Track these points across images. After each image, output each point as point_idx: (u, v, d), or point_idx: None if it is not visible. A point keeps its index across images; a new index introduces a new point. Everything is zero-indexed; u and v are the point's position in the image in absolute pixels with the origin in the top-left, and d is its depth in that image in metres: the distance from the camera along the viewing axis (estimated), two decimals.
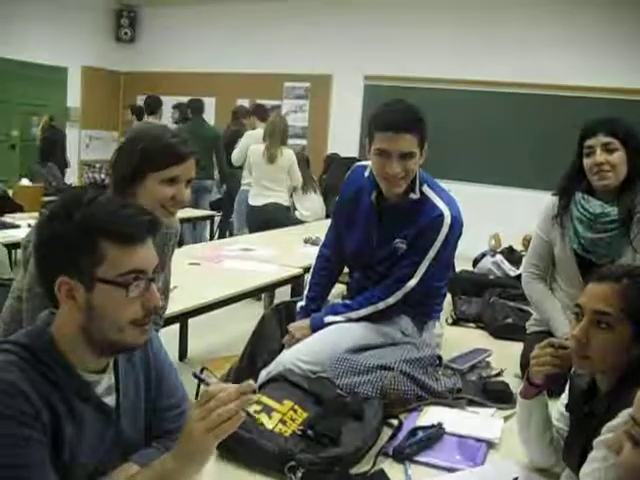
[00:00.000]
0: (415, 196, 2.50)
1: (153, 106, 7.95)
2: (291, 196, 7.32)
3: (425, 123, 2.45)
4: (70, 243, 1.34)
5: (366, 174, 2.62)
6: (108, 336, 1.37)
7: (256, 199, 6.53)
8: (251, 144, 6.78)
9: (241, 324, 3.70)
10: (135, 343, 1.43)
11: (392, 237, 2.53)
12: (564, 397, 1.86)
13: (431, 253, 2.49)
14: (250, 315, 3.02)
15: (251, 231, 6.42)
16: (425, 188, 2.53)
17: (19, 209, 6.07)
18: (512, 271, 4.13)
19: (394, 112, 2.43)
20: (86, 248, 1.34)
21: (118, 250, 1.35)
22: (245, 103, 10.04)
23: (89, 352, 1.41)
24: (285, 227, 6.18)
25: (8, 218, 5.48)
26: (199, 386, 3.28)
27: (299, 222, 7.16)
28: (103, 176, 7.42)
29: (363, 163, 2.71)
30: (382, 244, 2.55)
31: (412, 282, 2.51)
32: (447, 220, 2.47)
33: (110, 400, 1.49)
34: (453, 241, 2.53)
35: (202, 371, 3.35)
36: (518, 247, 4.93)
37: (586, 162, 2.55)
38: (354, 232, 2.64)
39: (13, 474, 1.26)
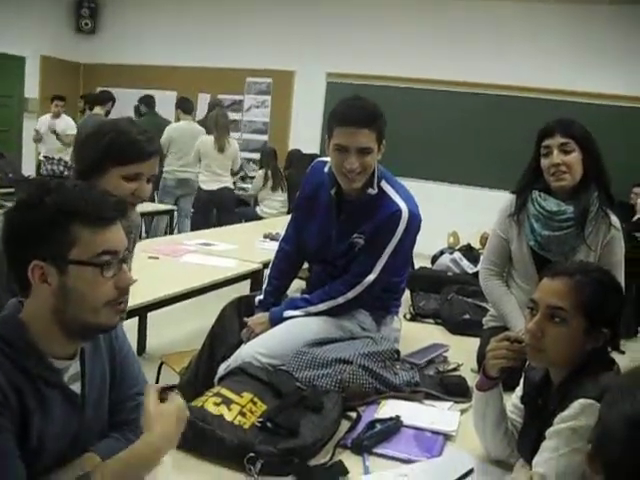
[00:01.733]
0: (373, 191, 2.53)
1: (101, 99, 8.11)
2: (258, 192, 8.08)
3: (383, 119, 2.48)
4: (42, 228, 1.36)
5: (326, 170, 2.64)
6: (83, 318, 1.39)
7: (210, 184, 7.28)
8: (173, 135, 7.48)
9: (200, 319, 3.69)
10: (109, 324, 1.45)
11: (350, 232, 2.55)
12: (519, 390, 1.90)
13: (389, 248, 2.51)
14: (209, 310, 3.01)
15: (201, 213, 7.34)
16: (383, 184, 2.55)
17: None
18: (470, 268, 4.19)
19: (353, 108, 2.45)
20: (59, 231, 1.36)
21: (90, 232, 1.37)
22: (206, 98, 10.02)
23: (61, 337, 1.42)
24: (232, 209, 7.62)
25: None
26: (158, 379, 3.29)
27: (258, 217, 7.42)
28: (62, 168, 7.32)
29: (323, 159, 2.73)
30: (341, 239, 2.57)
31: (370, 277, 2.53)
32: (405, 215, 2.49)
33: (76, 387, 1.50)
34: (411, 236, 2.55)
35: (161, 365, 3.35)
36: (476, 245, 5.00)
37: (543, 162, 2.60)
38: (313, 227, 2.66)
39: None
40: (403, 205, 2.50)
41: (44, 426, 1.40)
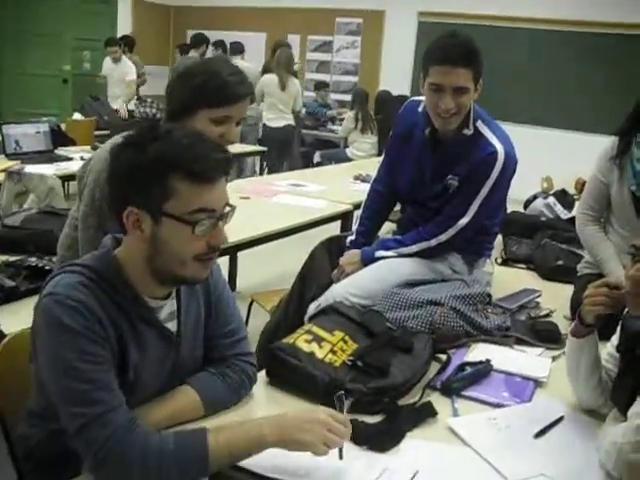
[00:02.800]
0: (469, 132, 2.46)
1: (195, 41, 8.59)
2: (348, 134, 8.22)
3: (481, 57, 2.39)
4: (143, 176, 1.35)
5: (420, 109, 2.59)
6: (171, 268, 1.41)
7: (275, 122, 7.61)
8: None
9: (290, 259, 3.74)
10: (196, 277, 1.46)
11: (445, 173, 2.50)
12: (615, 338, 1.84)
13: (484, 191, 2.45)
14: (299, 250, 3.04)
15: (269, 149, 7.66)
16: (479, 124, 2.48)
17: (71, 143, 6.15)
18: (564, 214, 4.08)
19: (449, 45, 2.37)
20: (158, 182, 1.34)
21: (190, 187, 1.35)
22: (296, 39, 9.97)
23: (153, 281, 1.44)
24: (295, 145, 8.09)
25: (61, 151, 5.57)
26: (248, 316, 3.36)
27: (347, 159, 7.39)
28: (154, 111, 7.44)
29: (417, 98, 2.66)
30: (435, 180, 2.53)
31: (464, 220, 2.49)
32: (501, 157, 2.42)
33: (172, 325, 1.53)
34: (506, 179, 2.49)
35: (251, 303, 3.41)
36: (571, 190, 4.85)
37: None
38: (407, 167, 2.62)
39: (83, 388, 1.31)
40: (499, 146, 2.43)
41: (140, 362, 1.44)
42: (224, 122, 2.10)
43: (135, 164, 1.36)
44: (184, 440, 1.36)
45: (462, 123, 2.45)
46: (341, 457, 1.42)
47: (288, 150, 7.86)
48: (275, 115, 7.55)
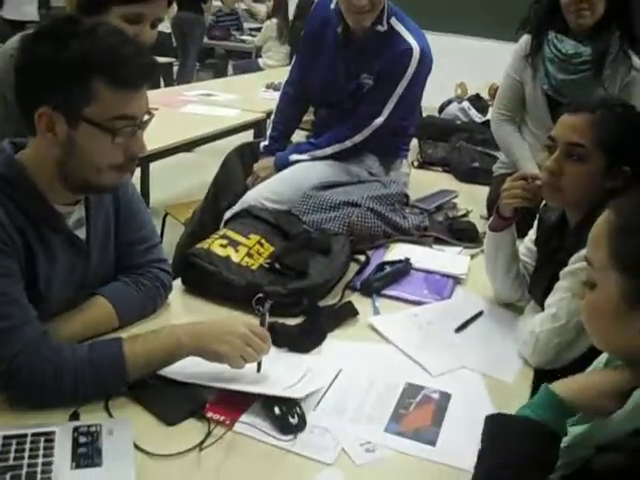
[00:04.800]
0: (382, 28, 2.40)
1: None
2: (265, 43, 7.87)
3: None
4: (61, 74, 1.23)
5: (332, 6, 2.49)
6: (84, 175, 1.32)
7: None
8: None
9: (203, 171, 3.64)
10: (110, 186, 1.38)
11: (358, 72, 2.45)
12: (532, 232, 1.86)
13: (399, 89, 2.41)
14: (212, 162, 2.94)
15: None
16: (393, 21, 2.42)
17: None
18: (479, 117, 4.07)
19: None
20: (79, 83, 1.24)
21: (112, 92, 1.25)
22: None
23: (61, 186, 1.35)
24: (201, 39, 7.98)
25: None
26: (163, 230, 3.26)
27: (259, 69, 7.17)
28: None
29: None
30: (348, 79, 2.47)
31: (379, 120, 2.44)
32: (416, 54, 2.38)
33: (81, 233, 1.45)
34: (422, 76, 2.45)
35: (165, 216, 3.32)
36: (484, 96, 4.87)
37: None
38: (319, 67, 2.54)
39: None
40: (414, 43, 2.38)
41: (50, 271, 1.37)
42: (137, 21, 1.90)
43: (54, 61, 1.23)
44: (99, 350, 1.31)
45: (376, 20, 2.38)
46: (259, 370, 1.40)
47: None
48: None
